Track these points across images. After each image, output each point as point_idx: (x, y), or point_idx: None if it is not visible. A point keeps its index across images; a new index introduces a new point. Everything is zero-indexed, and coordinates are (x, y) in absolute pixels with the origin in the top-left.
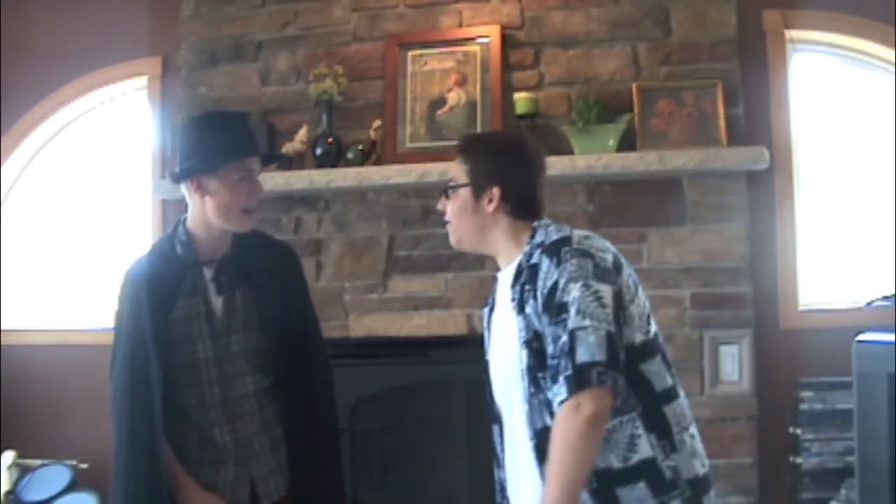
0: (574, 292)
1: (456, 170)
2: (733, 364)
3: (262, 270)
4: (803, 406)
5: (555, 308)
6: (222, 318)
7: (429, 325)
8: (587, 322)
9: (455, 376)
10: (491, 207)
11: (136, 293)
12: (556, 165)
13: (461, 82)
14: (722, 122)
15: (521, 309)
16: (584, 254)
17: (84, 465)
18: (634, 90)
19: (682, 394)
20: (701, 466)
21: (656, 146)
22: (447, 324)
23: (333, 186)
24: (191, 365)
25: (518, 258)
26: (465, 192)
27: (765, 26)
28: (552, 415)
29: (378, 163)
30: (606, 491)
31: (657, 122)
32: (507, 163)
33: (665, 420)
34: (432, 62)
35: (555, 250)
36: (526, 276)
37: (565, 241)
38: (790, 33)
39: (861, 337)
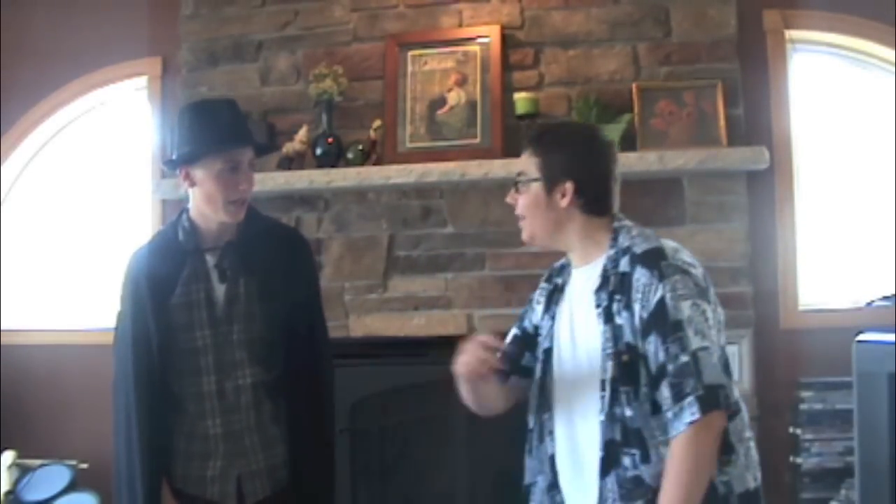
0: (686, 311)
1: (526, 162)
2: (733, 364)
3: (267, 258)
4: (803, 406)
5: (669, 326)
6: (224, 306)
7: (429, 325)
8: (706, 343)
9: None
10: (564, 202)
11: (137, 280)
12: None
13: (461, 82)
14: (722, 122)
15: (608, 318)
16: (685, 271)
17: (84, 465)
18: (634, 90)
19: (744, 407)
20: (753, 480)
21: (656, 146)
22: (447, 324)
23: (333, 186)
24: (190, 352)
25: (599, 260)
26: (536, 187)
27: (765, 26)
28: (633, 428)
29: (378, 163)
30: None
31: (657, 122)
32: (580, 156)
33: (727, 436)
34: (432, 62)
35: (653, 263)
36: (615, 285)
37: (660, 253)
38: (790, 33)
39: (861, 337)
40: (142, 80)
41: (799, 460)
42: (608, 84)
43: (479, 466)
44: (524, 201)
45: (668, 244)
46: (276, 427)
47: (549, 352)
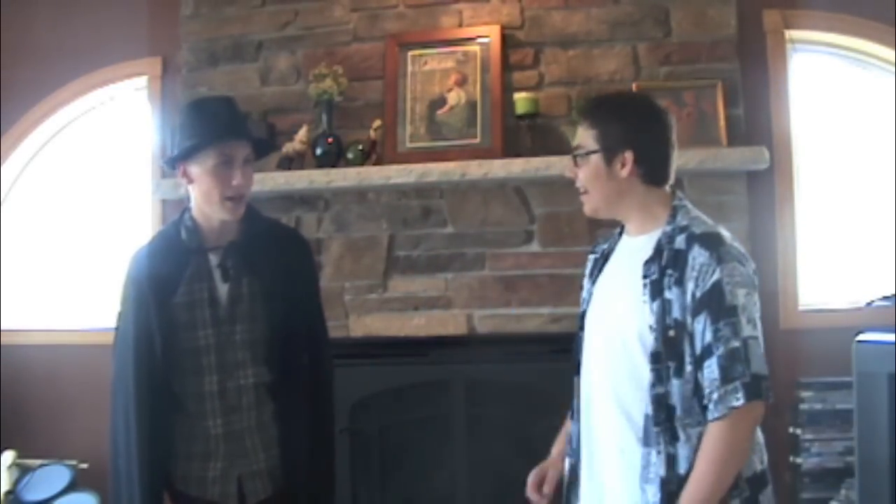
0: (741, 298)
1: (583, 135)
2: None
3: (269, 258)
4: (803, 406)
5: (723, 309)
6: (227, 305)
7: (429, 325)
8: (757, 333)
9: (455, 376)
10: (625, 172)
11: (139, 280)
12: (556, 165)
13: (461, 82)
14: (722, 122)
15: (657, 291)
16: (742, 260)
17: (84, 465)
18: (634, 90)
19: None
20: (760, 463)
21: None
22: (447, 324)
23: (333, 186)
24: (193, 352)
25: (654, 232)
26: (595, 159)
27: (765, 26)
28: (669, 404)
29: (378, 163)
30: (677, 492)
31: None
32: (639, 125)
33: None
34: (432, 62)
35: (712, 245)
36: (668, 259)
37: (720, 237)
38: (790, 33)
39: (861, 337)
40: (142, 80)
41: (799, 460)
42: (608, 84)
43: (479, 466)
44: (584, 174)
45: (725, 232)
46: (276, 427)
47: (584, 315)
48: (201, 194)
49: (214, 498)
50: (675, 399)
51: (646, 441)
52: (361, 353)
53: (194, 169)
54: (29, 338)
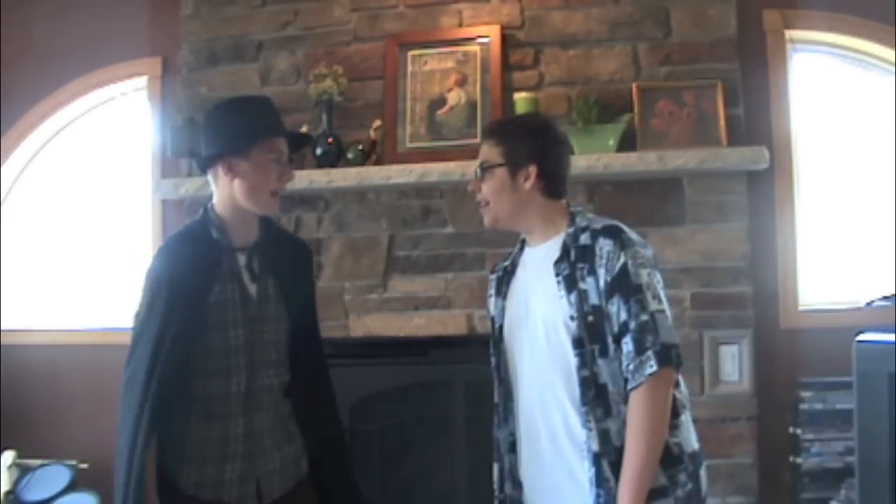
0: (645, 277)
1: (488, 152)
2: (733, 364)
3: (285, 261)
4: (803, 406)
5: (630, 288)
6: (257, 304)
7: (429, 325)
8: (662, 307)
9: (455, 376)
10: (528, 185)
11: (167, 278)
12: None
13: (461, 82)
14: (722, 122)
15: (571, 284)
16: (641, 244)
17: (84, 465)
18: (634, 90)
19: (682, 381)
20: (695, 442)
21: (656, 146)
22: (447, 324)
23: (333, 186)
24: (222, 352)
25: (557, 237)
26: (501, 172)
27: (765, 26)
28: (600, 383)
29: (378, 163)
30: (616, 462)
31: (657, 122)
32: (543, 143)
33: (674, 401)
34: (432, 62)
35: (614, 234)
36: (576, 255)
37: (619, 228)
38: (790, 33)
39: (861, 337)
40: (142, 80)
41: (799, 460)
42: (608, 84)
43: (479, 466)
44: (489, 187)
45: (621, 224)
46: (291, 425)
47: (502, 328)
48: (246, 188)
49: (232, 500)
50: (606, 377)
51: (581, 422)
52: (361, 353)
53: (243, 164)
54: (29, 338)
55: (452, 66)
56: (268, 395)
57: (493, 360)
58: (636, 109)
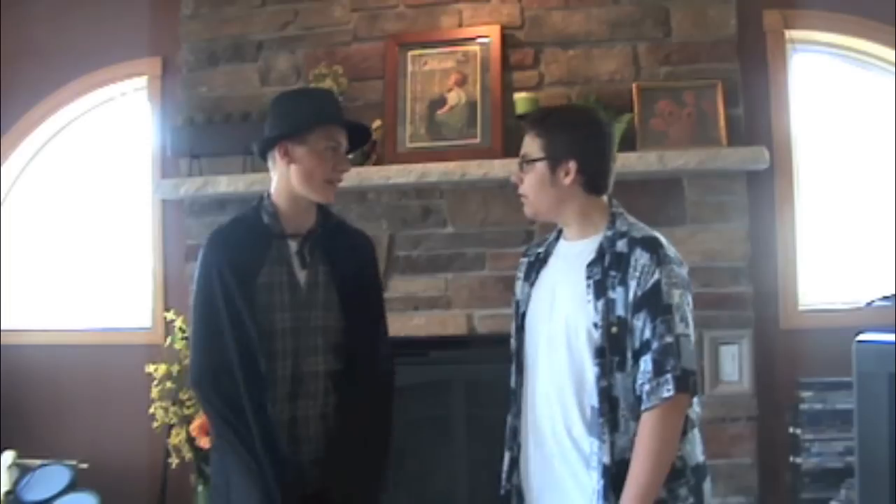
0: (677, 298)
1: (529, 144)
2: (733, 364)
3: (343, 251)
4: (803, 406)
5: (660, 307)
6: (305, 291)
7: (429, 325)
8: (689, 331)
9: (455, 376)
10: (567, 180)
11: (221, 264)
12: None
13: (461, 82)
14: (722, 122)
15: (601, 291)
16: (678, 263)
17: (84, 465)
18: (634, 90)
19: (697, 400)
20: (701, 454)
21: (656, 146)
22: (447, 324)
23: None
24: (269, 335)
25: (595, 237)
26: (541, 166)
27: (765, 26)
28: (613, 396)
29: (378, 163)
30: (623, 477)
31: (657, 122)
32: (583, 136)
33: (686, 421)
34: (432, 62)
35: (652, 248)
36: (611, 262)
37: (659, 241)
38: (790, 33)
39: (861, 337)
40: (142, 80)
41: (799, 460)
42: (608, 84)
43: (479, 466)
44: (529, 180)
45: (662, 237)
46: (338, 418)
47: (524, 316)
48: (302, 174)
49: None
50: (619, 391)
51: (590, 431)
52: None
53: (300, 149)
54: (29, 338)
55: (452, 66)
56: (315, 382)
57: (513, 343)
58: (636, 109)
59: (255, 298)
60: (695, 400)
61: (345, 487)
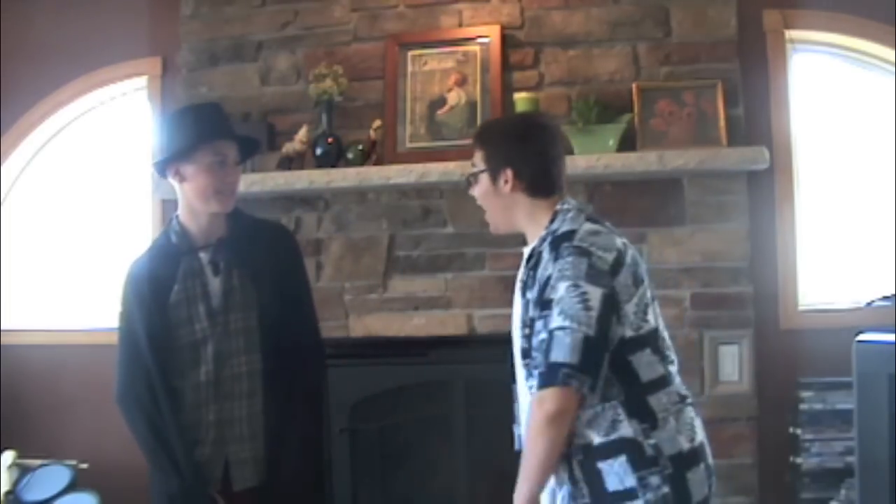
0: (560, 291)
1: (475, 157)
2: (733, 364)
3: (257, 251)
4: (803, 406)
5: (543, 303)
6: (220, 297)
7: (429, 325)
8: (567, 323)
9: (455, 376)
10: (507, 188)
11: (139, 289)
12: None
13: (461, 82)
14: (722, 122)
15: (523, 293)
16: (583, 252)
17: (84, 465)
18: (634, 90)
19: (675, 380)
20: (687, 441)
21: (656, 146)
22: (447, 324)
23: (333, 186)
24: (191, 346)
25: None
26: (484, 177)
27: (765, 26)
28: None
29: (378, 163)
30: (589, 463)
31: (657, 122)
32: (514, 143)
33: (648, 408)
34: (432, 62)
35: (557, 244)
36: (533, 262)
37: (569, 235)
38: (790, 33)
39: (861, 337)
40: (142, 80)
41: (799, 460)
42: (608, 84)
43: (479, 466)
44: (478, 192)
45: (589, 227)
46: (267, 417)
47: None
48: (195, 191)
49: (200, 483)
50: None
51: None
52: (361, 353)
53: (189, 168)
54: (29, 338)
55: (452, 66)
56: (238, 383)
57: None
58: (636, 109)
59: (170, 315)
60: (673, 388)
61: (279, 484)
